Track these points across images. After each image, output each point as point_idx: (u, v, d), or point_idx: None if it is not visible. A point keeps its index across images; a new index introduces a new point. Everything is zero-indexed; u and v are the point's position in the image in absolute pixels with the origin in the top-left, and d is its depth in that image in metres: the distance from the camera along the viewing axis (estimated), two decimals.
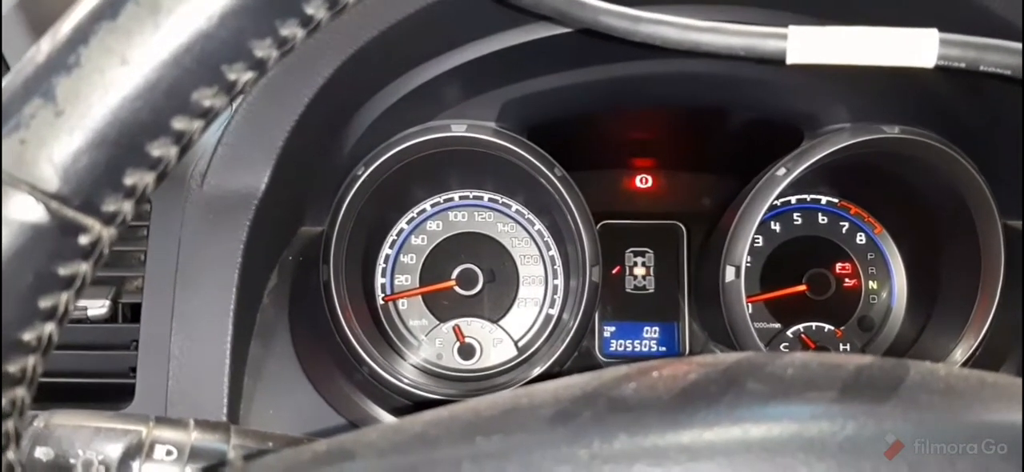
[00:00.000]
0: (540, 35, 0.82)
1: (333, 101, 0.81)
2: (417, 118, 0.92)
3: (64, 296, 0.35)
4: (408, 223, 1.10)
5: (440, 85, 0.87)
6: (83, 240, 0.34)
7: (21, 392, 0.35)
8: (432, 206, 1.10)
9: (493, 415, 0.35)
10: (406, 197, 1.08)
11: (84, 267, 0.35)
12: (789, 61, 0.54)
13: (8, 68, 0.87)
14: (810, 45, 0.53)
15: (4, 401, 0.34)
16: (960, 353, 0.94)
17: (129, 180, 0.34)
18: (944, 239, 1.01)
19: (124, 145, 0.33)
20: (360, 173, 0.91)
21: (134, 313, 0.79)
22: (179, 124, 0.35)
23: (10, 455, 0.35)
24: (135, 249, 0.79)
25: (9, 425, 0.34)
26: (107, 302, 0.78)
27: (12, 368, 0.34)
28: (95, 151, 0.33)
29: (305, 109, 0.78)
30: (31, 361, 0.35)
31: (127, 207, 0.35)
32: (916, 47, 0.53)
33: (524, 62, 0.86)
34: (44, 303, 0.34)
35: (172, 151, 0.35)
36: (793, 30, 0.53)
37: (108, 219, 0.34)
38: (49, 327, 0.35)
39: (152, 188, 0.36)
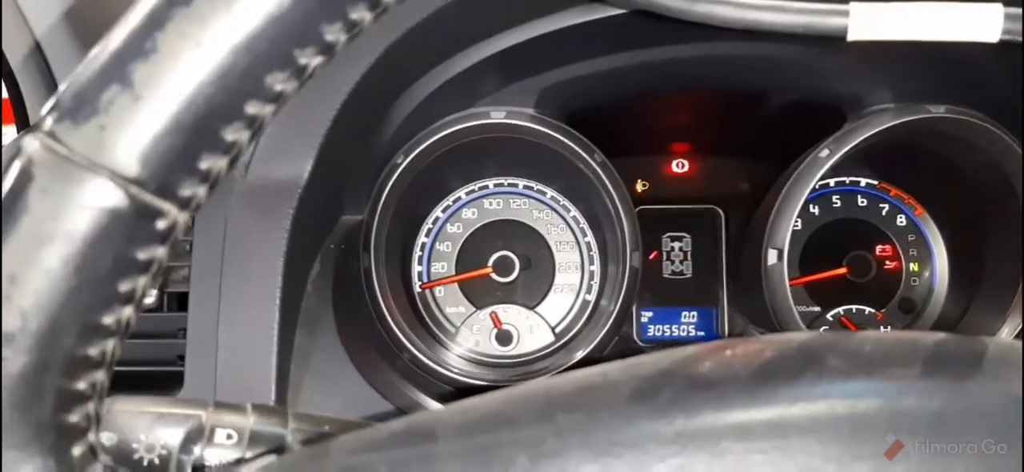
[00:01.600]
0: (579, 20, 0.81)
1: (374, 90, 0.81)
2: (456, 106, 0.92)
3: (141, 280, 0.35)
4: (444, 211, 1.10)
5: (478, 72, 0.87)
6: (160, 224, 0.34)
7: (101, 376, 0.35)
8: (467, 194, 1.10)
9: (569, 393, 0.35)
10: (442, 185, 1.08)
11: (161, 251, 0.35)
12: (850, 38, 0.53)
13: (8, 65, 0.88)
14: (871, 21, 0.52)
15: (85, 384, 0.34)
16: (1006, 333, 0.92)
17: (204, 164, 0.34)
18: (987, 219, 0.99)
19: (200, 129, 0.33)
20: (400, 161, 0.91)
21: (180, 302, 0.80)
22: (252, 108, 0.35)
23: (92, 437, 0.35)
24: (181, 238, 0.80)
25: (91, 407, 0.35)
26: (154, 291, 0.79)
27: (93, 352, 0.34)
28: (172, 136, 0.33)
29: (347, 98, 0.78)
30: (110, 345, 0.35)
31: (202, 191, 0.35)
32: (980, 21, 0.52)
33: (562, 48, 0.86)
34: (123, 287, 0.34)
35: (245, 135, 0.35)
36: (854, 6, 0.52)
37: (184, 203, 0.35)
38: (127, 311, 0.35)
39: (225, 173, 0.36)
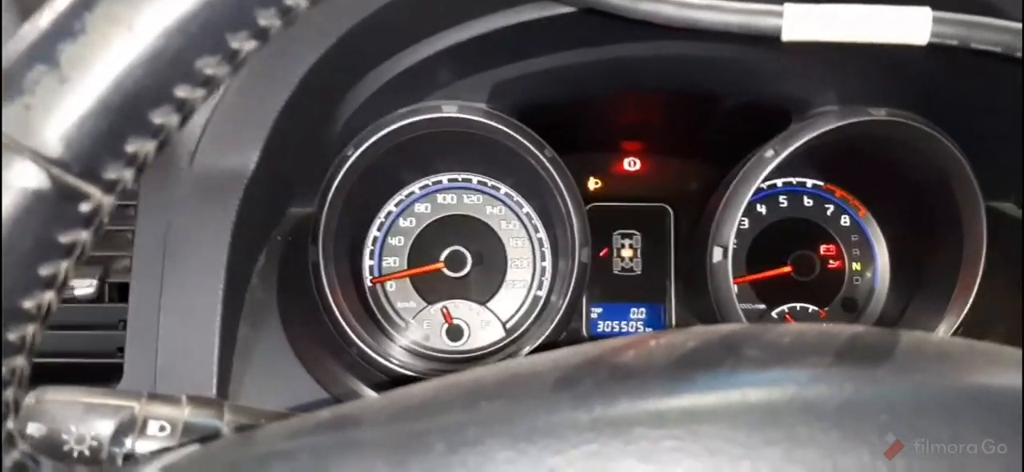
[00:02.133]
0: (533, 16, 0.82)
1: (324, 81, 0.80)
2: (407, 99, 0.92)
3: (64, 264, 0.34)
4: (396, 205, 1.10)
5: (431, 66, 0.87)
6: (83, 207, 0.34)
7: (21, 361, 0.35)
8: (421, 189, 1.10)
9: (496, 382, 0.35)
10: (395, 179, 1.08)
11: (84, 235, 0.35)
12: (785, 38, 0.55)
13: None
14: (805, 22, 0.53)
15: (4, 370, 0.34)
16: (943, 331, 0.95)
17: (131, 148, 0.34)
18: (928, 221, 1.02)
19: (127, 112, 0.33)
20: (350, 153, 0.91)
21: (121, 293, 0.79)
22: (182, 92, 0.34)
23: (9, 424, 0.35)
24: (123, 228, 0.78)
25: (9, 394, 0.34)
26: (94, 281, 0.78)
27: (12, 336, 0.33)
28: (98, 118, 0.33)
29: (296, 88, 0.78)
30: (31, 329, 0.34)
31: (128, 175, 0.35)
32: (909, 24, 0.54)
33: (516, 43, 0.86)
34: (44, 271, 0.34)
35: (174, 119, 0.35)
36: (789, 7, 0.54)
37: (108, 187, 0.34)
38: (49, 295, 0.34)
39: (152, 157, 0.36)
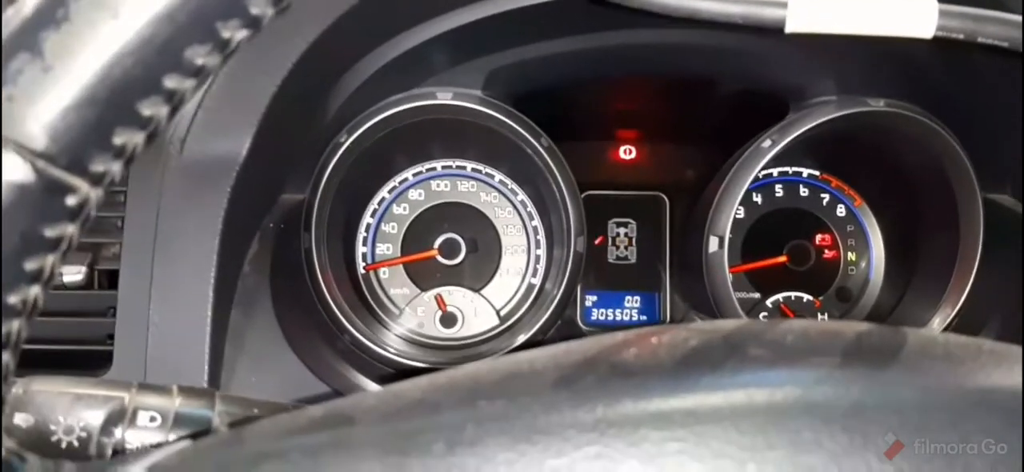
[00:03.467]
0: (530, 1, 0.80)
1: (317, 66, 0.79)
2: (402, 85, 0.91)
3: (50, 258, 0.33)
4: (390, 192, 1.09)
5: (426, 52, 0.86)
6: (70, 201, 0.33)
7: (6, 357, 0.34)
8: (414, 175, 1.09)
9: (494, 379, 0.34)
10: (388, 166, 1.07)
11: (70, 229, 0.33)
12: (788, 30, 0.54)
13: None
14: (810, 14, 0.52)
15: None
16: (937, 323, 0.95)
17: (118, 140, 0.33)
18: (924, 211, 1.02)
19: (114, 104, 0.32)
20: (343, 140, 0.90)
21: (111, 280, 0.78)
22: (171, 82, 0.33)
23: None
24: (112, 215, 0.77)
25: None
26: (83, 268, 0.77)
27: None
28: (84, 109, 0.32)
29: (288, 74, 0.76)
30: (16, 325, 0.33)
31: (115, 168, 0.34)
32: (915, 17, 0.53)
33: (512, 30, 0.85)
34: (30, 265, 0.33)
35: (163, 111, 0.34)
36: None
37: (96, 180, 0.33)
38: (34, 290, 0.33)
39: (141, 149, 0.35)
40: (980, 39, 0.54)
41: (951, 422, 0.31)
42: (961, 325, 0.96)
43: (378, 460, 0.29)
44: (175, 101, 0.34)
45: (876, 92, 0.91)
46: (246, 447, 0.32)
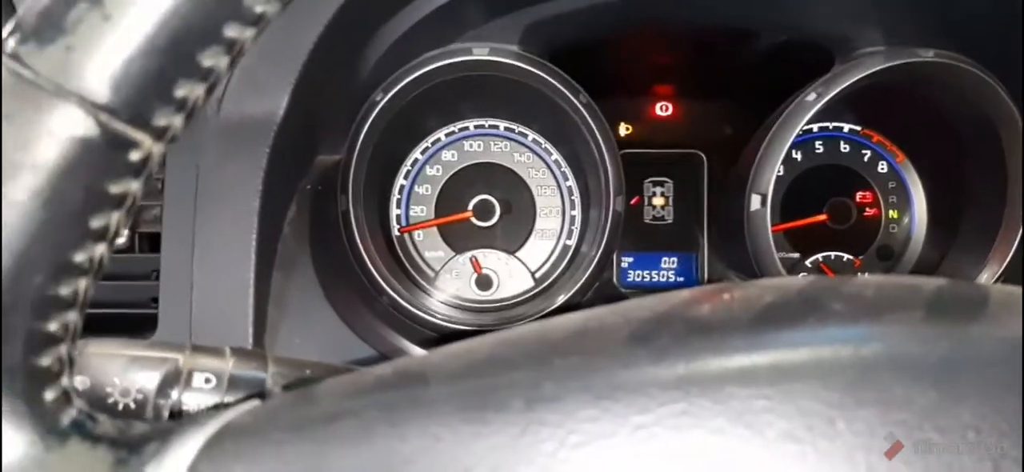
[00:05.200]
0: None
1: (352, 22, 0.78)
2: (436, 41, 0.89)
3: (115, 216, 0.33)
4: (422, 153, 1.08)
5: (460, 6, 0.84)
6: (134, 156, 0.32)
7: (73, 317, 0.33)
8: (446, 136, 1.08)
9: (565, 336, 0.34)
10: (420, 126, 1.06)
11: (135, 185, 0.33)
12: None
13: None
14: None
15: (57, 326, 0.33)
16: (985, 279, 0.93)
17: (180, 92, 0.32)
18: (969, 166, 0.99)
19: (175, 53, 0.31)
20: (379, 99, 0.88)
21: (152, 243, 0.78)
22: (231, 32, 0.32)
23: (66, 382, 0.33)
24: (153, 175, 0.77)
25: (63, 350, 0.33)
26: (126, 231, 0.76)
27: (65, 291, 0.32)
28: (145, 59, 0.31)
29: (324, 31, 0.75)
30: (83, 284, 0.33)
31: (178, 121, 0.33)
32: None
33: None
34: (95, 223, 0.32)
35: (223, 62, 0.33)
36: None
37: (159, 134, 0.32)
38: (100, 248, 0.33)
39: (202, 102, 0.34)
40: None
41: None
42: (1008, 282, 0.94)
43: (458, 417, 0.29)
44: (235, 52, 0.34)
45: (926, 41, 0.88)
46: (321, 405, 0.31)
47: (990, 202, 0.95)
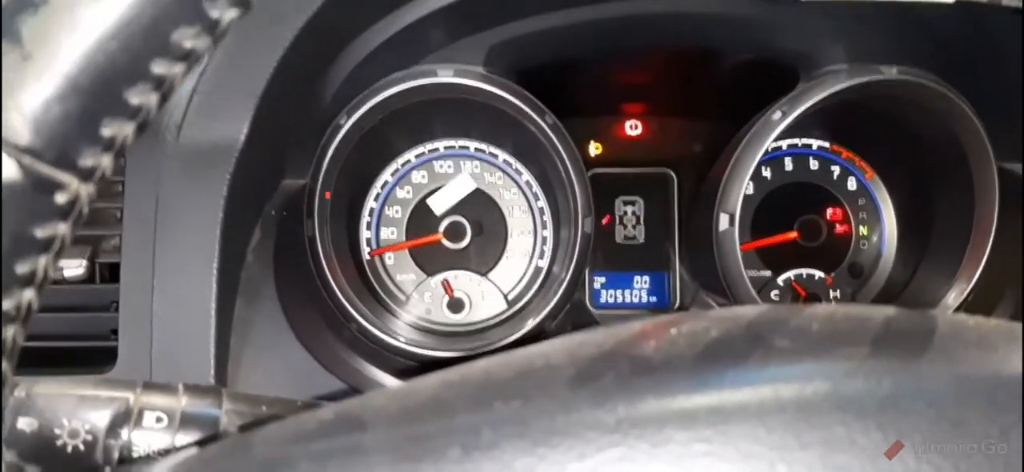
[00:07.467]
0: None
1: (314, 44, 0.77)
2: (400, 63, 0.89)
3: (42, 260, 0.32)
4: (392, 175, 1.07)
5: (425, 27, 0.84)
6: (60, 198, 0.31)
7: (4, 365, 0.32)
8: (416, 157, 1.07)
9: (508, 377, 0.33)
10: (390, 147, 1.05)
11: (62, 228, 0.32)
12: None
13: None
14: None
15: None
16: (953, 298, 0.93)
17: (107, 131, 0.31)
18: (937, 183, 1.00)
19: (99, 92, 0.30)
20: (343, 122, 0.88)
21: (112, 273, 0.76)
22: (159, 68, 0.32)
23: None
24: (111, 206, 0.76)
25: None
26: (84, 262, 0.75)
27: None
28: (68, 99, 0.30)
29: (284, 54, 0.74)
30: (10, 331, 0.32)
31: (105, 161, 0.32)
32: None
33: (512, 2, 0.83)
34: (21, 269, 0.31)
35: (152, 99, 0.32)
36: None
37: (86, 175, 0.31)
38: (28, 294, 0.32)
39: (131, 140, 0.33)
40: (1005, 2, 0.52)
41: (992, 414, 0.29)
42: (976, 300, 0.94)
43: (390, 467, 0.28)
44: (164, 88, 0.33)
45: (889, 59, 0.89)
46: (253, 454, 0.30)
47: (958, 218, 0.95)
